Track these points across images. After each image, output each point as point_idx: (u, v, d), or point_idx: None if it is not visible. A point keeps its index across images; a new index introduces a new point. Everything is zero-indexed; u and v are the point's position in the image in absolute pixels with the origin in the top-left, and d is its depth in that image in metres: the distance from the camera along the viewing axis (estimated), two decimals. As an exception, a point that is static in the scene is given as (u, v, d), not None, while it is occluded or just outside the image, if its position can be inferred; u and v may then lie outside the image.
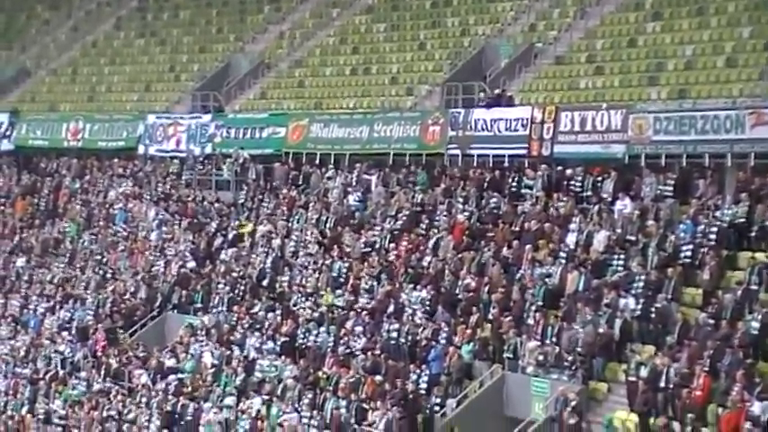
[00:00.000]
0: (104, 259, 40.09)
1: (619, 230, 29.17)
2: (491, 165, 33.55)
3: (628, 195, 29.94)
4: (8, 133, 48.29)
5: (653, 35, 34.84)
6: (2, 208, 46.23)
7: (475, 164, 33.98)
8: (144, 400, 32.24)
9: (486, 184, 33.08)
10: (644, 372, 25.44)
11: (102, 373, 34.50)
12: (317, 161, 38.07)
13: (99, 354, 35.49)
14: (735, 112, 28.54)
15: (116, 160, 44.33)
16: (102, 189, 43.59)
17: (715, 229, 27.59)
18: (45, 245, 42.70)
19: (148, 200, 41.61)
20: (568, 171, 31.54)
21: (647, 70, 33.72)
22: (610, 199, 30.23)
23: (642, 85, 33.28)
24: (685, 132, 29.36)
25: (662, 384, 25.06)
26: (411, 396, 27.98)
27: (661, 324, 26.59)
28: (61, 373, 35.35)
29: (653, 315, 26.76)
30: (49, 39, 54.86)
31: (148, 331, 36.33)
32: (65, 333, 37.15)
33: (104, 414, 32.44)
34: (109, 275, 39.23)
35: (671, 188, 29.51)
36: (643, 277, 27.43)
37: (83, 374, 34.67)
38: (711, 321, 25.81)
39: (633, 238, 28.72)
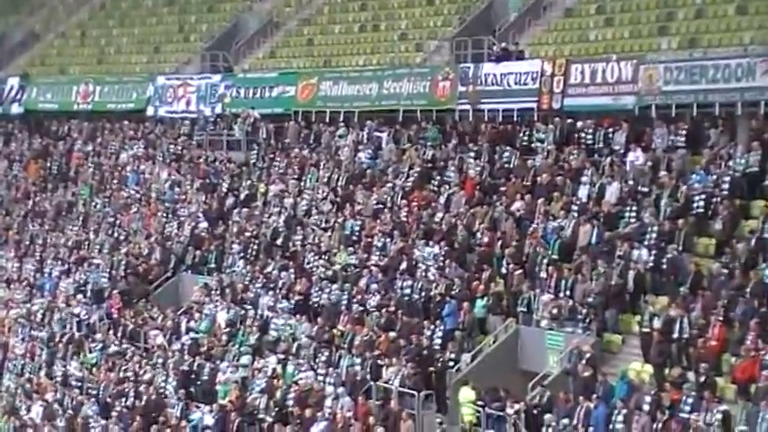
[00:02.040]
0: (117, 221, 40.19)
1: (631, 182, 29.08)
2: (501, 119, 33.41)
3: (639, 147, 29.82)
4: (18, 97, 48.34)
5: (663, -16, 34.54)
6: (14, 172, 46.32)
7: (485, 119, 33.84)
8: (160, 360, 32.41)
9: (497, 139, 32.97)
10: (658, 323, 25.43)
11: (119, 334, 34.68)
12: (327, 119, 37.97)
13: (114, 316, 35.65)
14: (746, 60, 28.32)
15: (127, 122, 44.36)
16: (114, 151, 43.65)
17: (728, 178, 27.48)
18: (58, 208, 42.82)
19: (160, 161, 41.64)
20: (579, 123, 31.40)
21: (657, 20, 33.47)
22: (622, 151, 30.10)
23: (652, 35, 33.03)
24: (696, 82, 29.16)
25: (676, 335, 25.06)
26: (425, 352, 28.05)
27: (674, 275, 26.54)
28: (77, 335, 35.54)
29: (666, 266, 26.72)
30: (58, 1, 54.76)
31: (163, 292, 36.45)
32: (80, 296, 37.31)
33: (121, 375, 32.62)
34: (122, 238, 39.34)
35: (683, 138, 29.38)
36: (656, 228, 27.36)
37: (98, 336, 34.85)
38: (725, 271, 25.77)
39: (645, 190, 28.63)
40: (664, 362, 25.13)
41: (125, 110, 44.67)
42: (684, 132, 29.41)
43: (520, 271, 28.61)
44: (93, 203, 41.88)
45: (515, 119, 33.18)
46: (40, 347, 35.87)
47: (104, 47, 50.22)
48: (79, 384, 33.38)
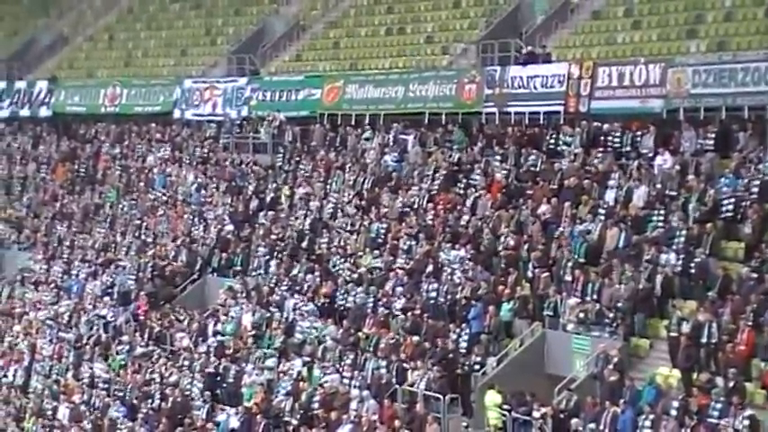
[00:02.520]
0: (144, 224, 40.31)
1: (658, 186, 28.91)
2: (528, 122, 33.30)
3: (667, 150, 29.65)
4: (47, 100, 48.62)
5: (691, -13, 34.37)
6: (42, 174, 46.57)
7: (512, 122, 33.74)
8: (186, 362, 32.46)
9: (523, 142, 32.87)
10: (686, 327, 25.26)
11: (145, 336, 34.77)
12: (353, 122, 37.97)
13: (141, 318, 35.75)
14: (776, 63, 28.14)
15: (154, 125, 44.50)
16: (141, 154, 43.80)
17: (757, 182, 27.26)
18: (85, 210, 42.99)
19: (187, 164, 41.74)
20: (606, 127, 31.27)
21: (686, 23, 33.29)
22: (650, 154, 29.94)
23: (681, 38, 32.87)
24: (725, 85, 29.00)
25: (704, 340, 24.88)
26: (451, 355, 27.97)
27: (702, 279, 26.37)
28: (104, 337, 35.65)
29: (694, 270, 26.54)
30: (86, 5, 55.03)
31: (189, 294, 36.53)
32: (107, 298, 37.43)
33: (147, 377, 32.69)
34: (149, 240, 39.44)
35: (711, 142, 29.19)
36: (684, 232, 27.19)
37: (125, 338, 34.94)
38: (754, 275, 25.56)
39: (673, 194, 28.46)
40: (692, 367, 24.96)
41: (152, 113, 44.84)
42: (713, 136, 29.24)
43: (546, 274, 28.48)
44: (120, 206, 42.04)
45: (542, 122, 33.05)
46: (67, 349, 36.01)
47: (132, 50, 50.43)
48: (106, 386, 33.47)
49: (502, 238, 30.12)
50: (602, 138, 31.29)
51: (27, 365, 36.31)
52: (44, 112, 48.70)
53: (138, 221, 40.59)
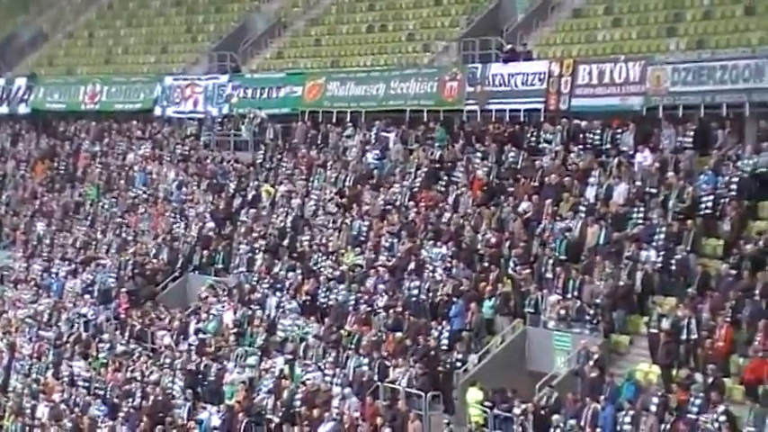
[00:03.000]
0: (125, 222, 40.22)
1: (638, 183, 29.03)
2: (508, 120, 33.39)
3: (647, 147, 29.77)
4: (26, 97, 48.42)
5: (671, -15, 34.50)
6: (22, 172, 46.38)
7: (493, 119, 33.81)
8: (167, 360, 32.41)
9: (504, 139, 32.94)
10: (666, 324, 25.39)
11: (126, 334, 34.69)
12: (334, 119, 37.98)
13: (122, 316, 35.67)
14: (754, 61, 28.29)
15: (134, 123, 44.38)
16: (121, 152, 43.68)
17: (736, 179, 27.41)
18: (65, 208, 42.86)
19: (168, 161, 41.66)
20: (586, 124, 31.37)
21: (666, 21, 33.42)
22: (630, 152, 30.05)
23: (660, 36, 33.00)
24: (704, 83, 29.14)
25: (684, 336, 25.01)
26: (433, 352, 28.02)
27: (682, 276, 26.50)
28: (84, 335, 35.56)
29: (674, 267, 26.68)
30: (65, 2, 54.81)
31: (170, 292, 36.47)
32: (87, 296, 37.32)
33: (128, 375, 32.63)
34: (130, 238, 39.36)
35: (690, 139, 29.32)
36: (664, 229, 27.33)
37: (106, 337, 34.85)
38: (733, 272, 25.71)
39: (653, 191, 28.58)
40: (671, 363, 25.09)
41: (132, 110, 44.72)
42: (692, 133, 29.36)
43: (527, 271, 28.57)
44: (101, 204, 41.93)
45: (523, 120, 33.13)
46: (47, 348, 35.87)
47: (112, 47, 50.27)
48: (86, 385, 33.38)
49: (483, 236, 30.18)
50: (583, 135, 31.39)
51: (6, 364, 36.15)
52: (23, 109, 48.50)
53: (119, 219, 40.50)
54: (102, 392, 32.70)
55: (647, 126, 30.39)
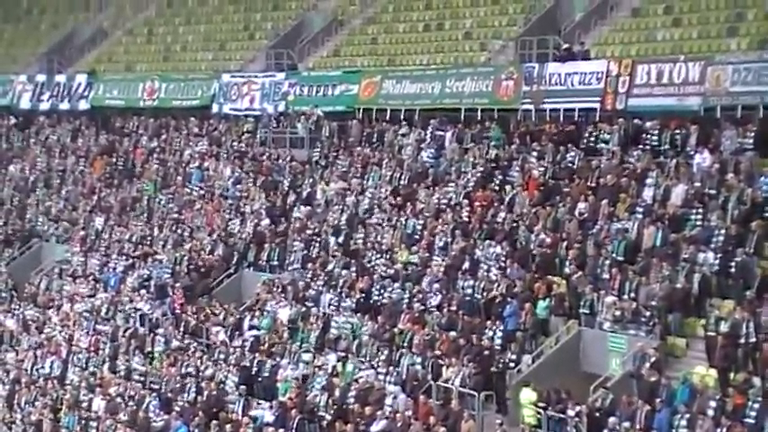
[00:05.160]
0: (181, 218, 40.49)
1: (697, 184, 28.72)
2: (563, 119, 33.18)
3: (706, 148, 29.45)
4: (86, 93, 48.90)
5: (732, -16, 34.11)
6: (81, 167, 46.88)
7: (548, 118, 33.62)
8: (222, 356, 32.58)
9: (561, 139, 32.74)
10: (724, 327, 25.11)
11: (181, 330, 34.93)
12: (388, 117, 37.96)
13: (177, 311, 35.92)
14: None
15: (192, 119, 44.68)
16: (179, 148, 43.97)
17: (797, 182, 27.06)
18: (123, 204, 43.24)
19: (224, 158, 41.88)
20: (646, 124, 31.07)
21: (726, 21, 33.02)
22: (690, 152, 29.74)
23: (721, 36, 32.61)
24: (764, 83, 28.76)
25: (742, 339, 24.72)
26: (486, 352, 27.92)
27: (741, 278, 26.17)
28: (140, 330, 35.85)
29: (732, 269, 26.35)
30: (125, 0, 55.26)
31: (225, 289, 36.66)
32: (143, 291, 37.62)
33: (183, 370, 32.84)
34: (186, 234, 39.61)
35: (751, 141, 28.95)
36: (723, 231, 27.00)
37: (161, 332, 35.12)
38: (793, 275, 25.38)
39: (712, 192, 28.26)
40: (729, 366, 24.79)
41: (190, 107, 45.01)
42: (752, 134, 28.99)
43: (582, 272, 28.34)
44: (158, 199, 42.22)
45: (580, 119, 32.90)
46: (103, 342, 36.23)
47: (170, 44, 50.63)
48: (142, 379, 33.65)
49: (538, 236, 30.01)
50: (641, 135, 31.11)
51: (64, 357, 36.57)
52: (83, 105, 48.99)
53: (175, 215, 40.76)
54: (157, 387, 32.94)
55: (707, 127, 30.05)
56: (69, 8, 57.13)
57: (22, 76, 51.95)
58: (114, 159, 45.87)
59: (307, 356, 30.80)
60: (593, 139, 32.10)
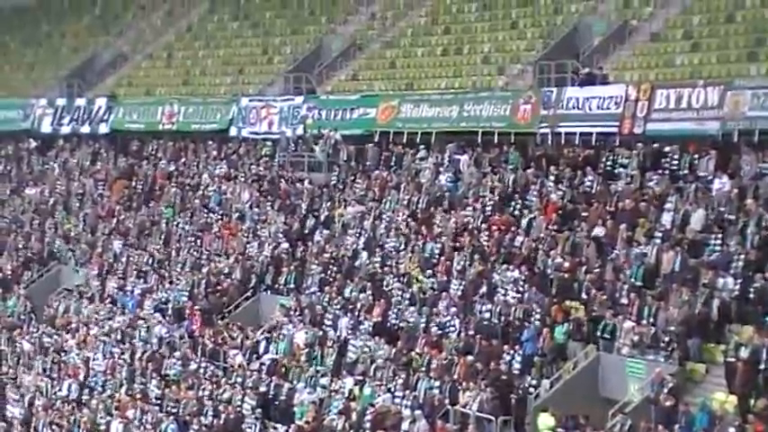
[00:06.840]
0: (199, 241, 40.54)
1: (716, 209, 28.59)
2: (580, 143, 33.13)
3: (726, 173, 29.34)
4: (106, 117, 49.14)
5: (752, 10, 34.01)
6: (100, 191, 47.03)
7: (563, 142, 33.58)
8: (239, 380, 32.54)
9: (579, 163, 32.69)
10: (744, 353, 24.94)
11: (198, 353, 34.91)
12: (405, 140, 37.99)
13: (195, 334, 35.91)
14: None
15: (210, 143, 44.81)
16: (197, 171, 44.08)
17: (817, 207, 26.91)
18: (141, 227, 43.34)
19: (242, 182, 41.96)
20: (665, 149, 30.99)
21: (746, 46, 32.95)
22: (709, 177, 29.64)
23: (741, 61, 32.54)
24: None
25: (762, 365, 24.54)
26: (504, 377, 27.80)
27: (760, 304, 26.01)
28: (158, 353, 35.82)
29: (752, 295, 26.20)
30: (145, 24, 55.61)
31: (242, 312, 36.66)
32: (160, 314, 37.63)
33: (200, 393, 32.80)
34: (203, 257, 39.66)
35: (770, 165, 28.87)
36: (742, 256, 26.86)
37: (178, 354, 35.09)
38: (813, 301, 25.21)
39: (732, 217, 28.14)
40: (749, 392, 24.60)
41: (209, 130, 45.17)
42: (772, 159, 28.91)
43: (601, 297, 28.23)
44: (176, 222, 42.32)
45: (598, 143, 32.85)
46: (120, 365, 36.24)
47: (190, 68, 50.86)
48: (159, 402, 33.63)
49: (556, 260, 29.92)
50: (660, 160, 31.03)
51: (81, 380, 36.59)
52: (103, 129, 49.23)
53: (193, 238, 40.83)
54: (174, 410, 32.89)
55: (727, 152, 29.94)
56: (90, 32, 57.51)
57: (42, 100, 52.27)
58: (133, 183, 46.02)
59: (324, 380, 30.73)
60: (610, 163, 32.03)
